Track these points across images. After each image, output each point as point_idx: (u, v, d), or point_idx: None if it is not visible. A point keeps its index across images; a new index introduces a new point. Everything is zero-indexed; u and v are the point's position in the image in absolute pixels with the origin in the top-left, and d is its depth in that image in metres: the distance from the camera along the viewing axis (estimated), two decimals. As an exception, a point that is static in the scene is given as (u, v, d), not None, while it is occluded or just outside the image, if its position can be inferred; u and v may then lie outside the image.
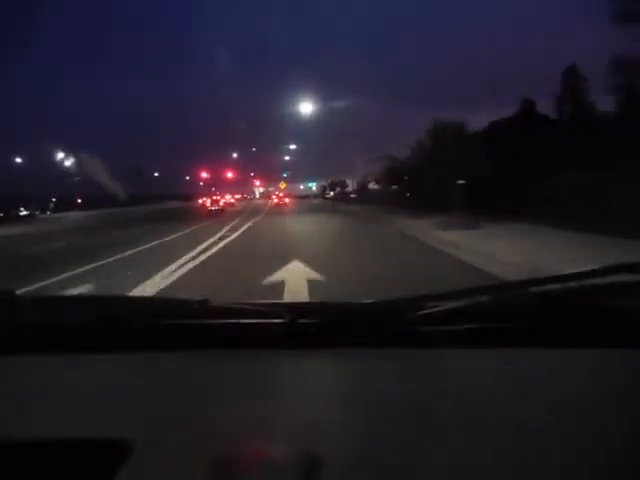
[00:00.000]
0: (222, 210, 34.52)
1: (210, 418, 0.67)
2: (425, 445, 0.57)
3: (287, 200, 49.09)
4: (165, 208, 47.95)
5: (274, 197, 54.55)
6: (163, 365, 0.86)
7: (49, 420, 0.68)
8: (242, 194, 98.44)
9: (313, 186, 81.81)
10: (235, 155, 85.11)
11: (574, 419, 0.61)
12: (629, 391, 0.69)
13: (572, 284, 0.87)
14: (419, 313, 0.85)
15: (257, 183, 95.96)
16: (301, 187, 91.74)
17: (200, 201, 45.38)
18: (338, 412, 0.67)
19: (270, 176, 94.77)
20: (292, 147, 66.02)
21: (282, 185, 63.37)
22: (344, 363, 0.84)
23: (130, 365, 0.88)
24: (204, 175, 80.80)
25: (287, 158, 72.88)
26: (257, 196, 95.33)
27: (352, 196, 41.31)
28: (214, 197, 42.63)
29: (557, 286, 0.88)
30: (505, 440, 0.58)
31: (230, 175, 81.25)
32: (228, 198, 59.17)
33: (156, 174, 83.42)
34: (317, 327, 0.87)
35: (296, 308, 0.92)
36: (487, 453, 0.55)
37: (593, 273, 0.87)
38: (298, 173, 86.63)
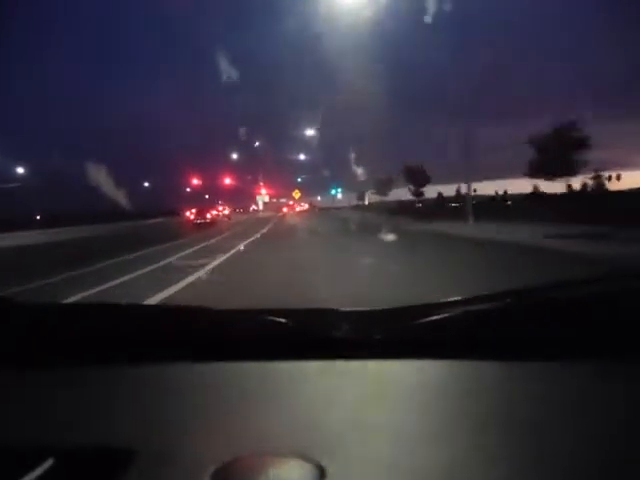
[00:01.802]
0: (211, 224, 31.55)
1: (214, 425, 0.69)
2: (427, 450, 0.59)
3: (298, 209, 39.51)
4: (144, 225, 43.05)
5: (284, 209, 44.54)
6: (166, 373, 0.86)
7: (51, 428, 0.69)
8: (254, 208, 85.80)
9: (338, 193, 58.04)
10: (238, 161, 71.87)
11: (575, 429, 0.62)
12: (623, 402, 0.71)
13: (567, 293, 0.89)
14: (422, 321, 0.86)
15: (263, 192, 76.26)
16: (318, 198, 78.18)
17: (187, 213, 37.72)
18: (340, 419, 0.67)
19: (280, 183, 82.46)
20: (310, 133, 47.65)
21: (296, 194, 52.79)
22: (347, 369, 0.84)
23: (133, 373, 0.87)
24: (195, 182, 67.49)
25: (302, 157, 58.17)
26: (260, 207, 68.11)
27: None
28: (200, 209, 36.01)
29: (553, 295, 0.89)
30: (511, 447, 0.59)
31: (228, 181, 67.70)
32: (221, 209, 56.00)
33: (146, 184, 71.97)
34: (323, 333, 0.89)
35: (299, 315, 0.94)
36: (488, 459, 0.57)
37: (588, 281, 0.89)
38: (317, 179, 70.33)
